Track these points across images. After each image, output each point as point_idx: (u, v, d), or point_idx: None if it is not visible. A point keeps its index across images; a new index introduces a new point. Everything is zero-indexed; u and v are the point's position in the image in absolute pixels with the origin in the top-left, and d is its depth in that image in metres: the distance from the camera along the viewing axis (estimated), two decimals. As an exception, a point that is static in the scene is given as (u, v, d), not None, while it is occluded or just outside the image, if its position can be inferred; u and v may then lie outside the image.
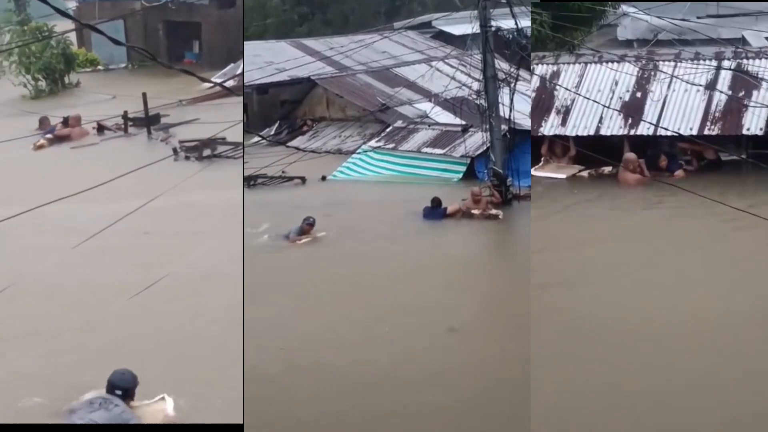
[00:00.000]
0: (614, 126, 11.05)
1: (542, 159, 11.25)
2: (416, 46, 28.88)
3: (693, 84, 10.82)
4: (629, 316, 8.18)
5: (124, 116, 18.18)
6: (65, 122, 17.76)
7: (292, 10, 37.26)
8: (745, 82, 10.50)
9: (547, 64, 11.81)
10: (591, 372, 7.52)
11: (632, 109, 10.84)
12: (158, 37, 26.60)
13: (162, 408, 6.97)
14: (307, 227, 12.84)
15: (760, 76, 10.44)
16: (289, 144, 20.98)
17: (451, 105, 20.25)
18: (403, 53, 27.41)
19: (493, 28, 14.35)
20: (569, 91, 11.34)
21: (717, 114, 10.52)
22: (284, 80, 24.21)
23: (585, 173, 10.85)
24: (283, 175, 17.19)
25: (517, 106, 14.93)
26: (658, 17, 13.87)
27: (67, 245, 9.94)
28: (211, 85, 18.09)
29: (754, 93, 10.33)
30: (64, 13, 7.10)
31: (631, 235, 9.48)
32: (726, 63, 11.00)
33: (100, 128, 18.08)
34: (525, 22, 15.31)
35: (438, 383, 7.72)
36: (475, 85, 15.39)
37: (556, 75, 11.81)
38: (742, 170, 10.02)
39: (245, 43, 27.79)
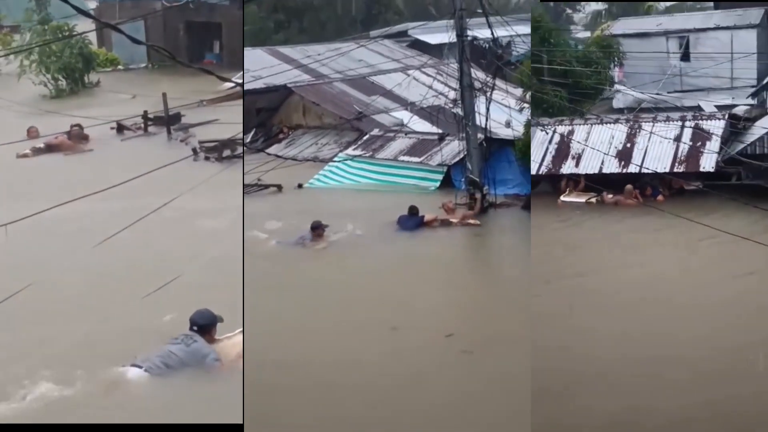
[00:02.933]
0: (612, 167, 15.11)
1: (563, 189, 15.29)
2: (393, 55, 28.99)
3: (665, 137, 14.90)
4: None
5: (144, 116, 18.07)
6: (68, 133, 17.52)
7: (268, 17, 37.21)
8: (700, 135, 14.81)
9: (565, 125, 16.10)
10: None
11: (624, 155, 15.05)
12: (178, 37, 26.37)
13: (239, 341, 7.74)
14: (320, 232, 12.83)
15: (710, 131, 14.82)
16: (266, 152, 20.90)
17: (428, 113, 20.36)
18: (379, 62, 27.51)
19: (469, 38, 14.49)
20: (580, 143, 15.46)
21: (682, 157, 14.65)
22: (260, 88, 24.16)
23: (594, 200, 14.76)
24: (259, 183, 17.11)
25: (493, 115, 15.09)
26: (641, 93, 19.81)
27: (85, 244, 10.05)
28: (232, 85, 18.26)
29: (707, 143, 14.69)
30: (86, 13, 7.09)
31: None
32: (687, 123, 15.25)
33: (120, 128, 17.97)
34: (500, 32, 15.48)
35: (436, 384, 7.84)
36: (452, 94, 15.50)
37: (571, 132, 15.92)
38: (699, 196, 13.66)
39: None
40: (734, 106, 17.67)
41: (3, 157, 15.47)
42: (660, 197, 14.21)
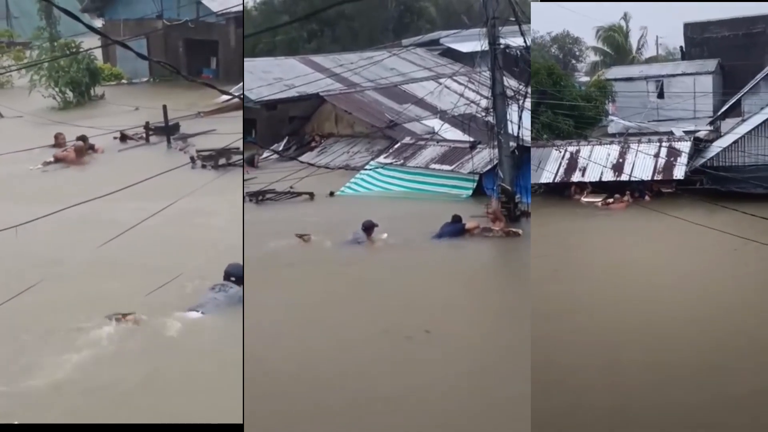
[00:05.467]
0: (608, 176, 18.90)
1: (573, 194, 19.10)
2: (424, 63, 29.05)
3: (647, 154, 18.98)
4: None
5: (146, 126, 18.98)
6: (81, 139, 18.17)
7: (302, 27, 37.53)
8: (673, 152, 18.90)
9: (574, 146, 20.08)
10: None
11: (617, 168, 18.99)
12: (178, 53, 27.63)
13: None
14: (372, 231, 13.07)
15: (680, 149, 18.90)
16: (299, 159, 21.09)
17: (460, 122, 20.34)
18: (411, 70, 27.59)
19: (501, 46, 14.43)
20: (585, 159, 19.37)
21: (660, 168, 18.58)
22: (293, 96, 24.39)
23: (602, 201, 18.53)
24: (291, 191, 17.25)
25: (525, 123, 14.99)
26: (629, 122, 25.69)
27: (92, 244, 10.38)
28: (227, 98, 19.22)
29: (678, 158, 18.69)
30: (96, 31, 7.48)
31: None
32: (663, 143, 19.41)
33: (123, 137, 18.88)
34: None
35: (438, 387, 7.83)
36: (484, 102, 15.44)
37: (578, 151, 19.85)
38: (673, 197, 17.94)
39: (255, 59, 28.19)
40: (697, 131, 22.59)
41: (19, 162, 16.16)
42: (647, 198, 18.21)
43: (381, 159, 19.61)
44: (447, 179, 17.67)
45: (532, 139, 19.94)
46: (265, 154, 22.16)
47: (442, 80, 25.01)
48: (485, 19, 14.22)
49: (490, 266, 13.14)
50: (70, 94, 24.03)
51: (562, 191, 19.17)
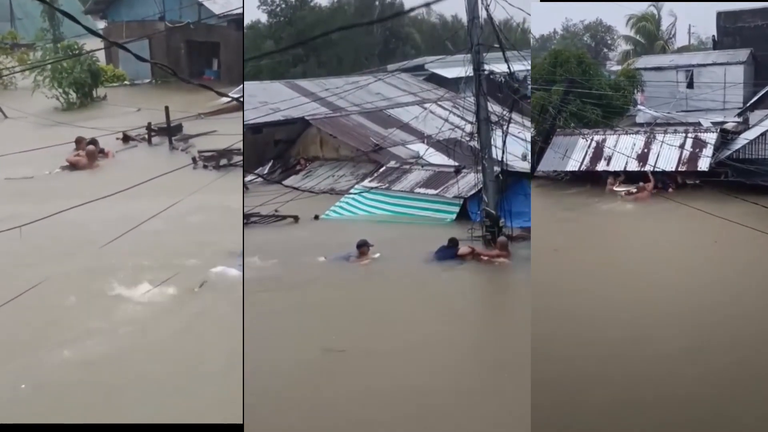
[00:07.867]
0: (633, 166, 19.47)
1: (607, 182, 19.73)
2: (409, 88, 29.28)
3: (672, 145, 19.30)
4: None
5: (148, 127, 19.30)
6: (92, 142, 18.50)
7: (287, 52, 37.75)
8: (698, 143, 19.01)
9: (600, 135, 20.74)
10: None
11: (642, 158, 19.40)
12: (180, 55, 27.98)
13: None
14: (364, 249, 13.35)
15: (706, 141, 19.04)
16: (283, 183, 21.09)
17: (444, 146, 20.48)
18: (396, 95, 27.80)
19: (485, 72, 14.60)
20: (611, 149, 20.00)
21: (684, 160, 18.88)
22: (279, 120, 24.47)
23: (626, 191, 19.12)
24: (276, 214, 17.25)
25: (509, 148, 15.13)
26: (656, 112, 25.82)
27: (95, 244, 10.74)
28: (228, 99, 19.85)
29: (704, 149, 18.81)
30: (96, 33, 7.73)
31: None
32: (690, 134, 19.68)
33: (126, 138, 19.22)
34: (517, 66, 15.58)
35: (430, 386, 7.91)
36: (468, 127, 15.58)
37: (604, 141, 20.54)
38: (697, 189, 18.14)
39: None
40: (725, 122, 22.29)
41: (24, 163, 16.27)
42: (670, 189, 18.53)
43: (366, 183, 19.64)
44: (432, 203, 17.72)
45: (560, 127, 20.93)
46: (249, 177, 22.15)
47: (427, 105, 25.21)
48: (470, 46, 14.40)
49: (492, 284, 13.27)
50: (73, 95, 24.29)
51: (587, 179, 19.98)
